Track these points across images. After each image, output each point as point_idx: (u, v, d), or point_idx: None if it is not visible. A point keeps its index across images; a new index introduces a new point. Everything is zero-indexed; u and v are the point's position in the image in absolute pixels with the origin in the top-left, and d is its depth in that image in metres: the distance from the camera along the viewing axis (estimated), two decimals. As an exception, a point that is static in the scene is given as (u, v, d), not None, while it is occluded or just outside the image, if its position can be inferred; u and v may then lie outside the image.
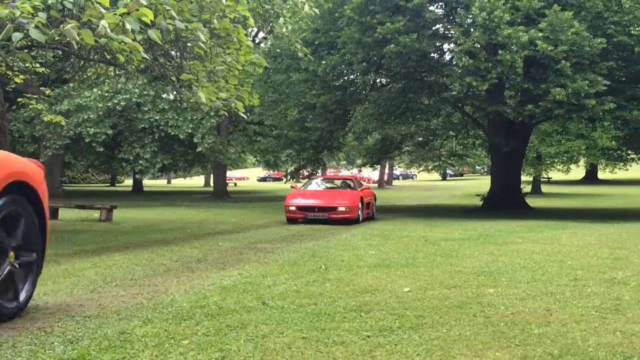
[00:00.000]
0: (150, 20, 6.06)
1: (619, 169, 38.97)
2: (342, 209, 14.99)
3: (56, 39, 6.49)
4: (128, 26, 5.87)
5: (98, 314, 4.67)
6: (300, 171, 28.28)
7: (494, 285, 5.91)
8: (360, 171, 67.42)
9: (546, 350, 3.74)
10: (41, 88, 19.02)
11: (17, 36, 5.79)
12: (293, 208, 15.44)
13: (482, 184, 37.23)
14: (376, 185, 53.79)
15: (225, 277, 6.47)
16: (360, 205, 15.59)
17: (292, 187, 19.18)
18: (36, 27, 5.78)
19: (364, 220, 15.99)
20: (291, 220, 15.34)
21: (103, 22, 5.73)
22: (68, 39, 5.89)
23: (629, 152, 26.58)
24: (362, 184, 17.99)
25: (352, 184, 17.25)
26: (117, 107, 24.86)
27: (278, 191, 44.49)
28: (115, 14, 5.91)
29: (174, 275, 6.61)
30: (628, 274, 6.59)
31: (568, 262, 7.59)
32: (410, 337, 4.04)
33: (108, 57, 11.71)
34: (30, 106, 14.98)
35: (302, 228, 13.50)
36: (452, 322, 4.44)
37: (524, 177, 29.09)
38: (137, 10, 5.90)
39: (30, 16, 5.88)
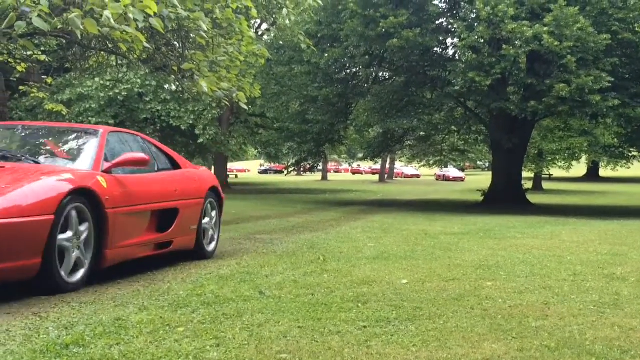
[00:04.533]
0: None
1: (621, 166, 38.94)
2: None
3: (59, 27, 6.47)
4: (131, 16, 5.86)
5: (94, 300, 4.66)
6: (302, 164, 28.30)
7: (493, 279, 5.89)
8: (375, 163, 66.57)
9: (543, 343, 3.72)
10: (43, 77, 19.01)
11: (20, 25, 5.76)
12: None
13: (483, 179, 37.22)
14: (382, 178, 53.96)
15: (223, 266, 6.46)
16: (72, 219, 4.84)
17: None
18: (39, 15, 5.75)
19: (133, 262, 6.09)
20: None
21: (106, 13, 5.71)
22: (71, 28, 5.86)
23: (631, 149, 26.50)
24: (152, 149, 6.75)
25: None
26: (118, 97, 24.82)
27: (278, 183, 44.54)
28: (119, 1, 5.89)
29: (172, 263, 6.59)
30: (627, 269, 6.57)
31: (567, 257, 7.57)
32: (407, 328, 4.02)
33: (110, 46, 11.70)
34: (32, 95, 14.96)
35: (302, 220, 13.48)
36: (450, 314, 4.42)
37: (525, 174, 29.06)
38: (141, 1, 5.89)
39: (33, 4, 5.84)
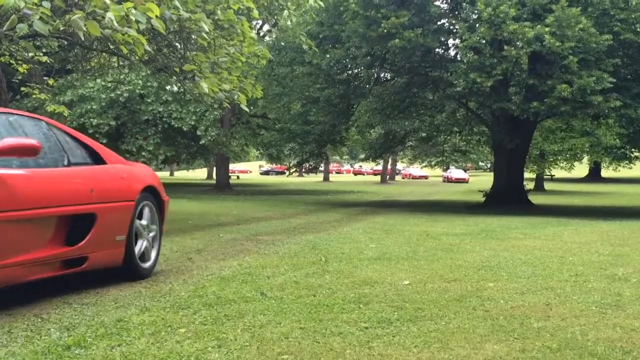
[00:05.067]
0: (155, 13, 6.04)
1: (623, 167, 38.91)
2: None
3: (61, 29, 6.46)
4: (133, 18, 5.86)
5: (95, 302, 4.66)
6: (304, 165, 28.33)
7: (494, 280, 5.89)
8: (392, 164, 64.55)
9: (545, 344, 3.72)
10: (44, 78, 19.02)
11: (21, 28, 5.75)
12: None
13: (485, 180, 37.21)
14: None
15: (224, 267, 6.46)
16: None
17: None
18: (40, 18, 5.74)
19: None
20: None
21: (109, 15, 5.71)
22: (73, 29, 5.86)
23: (633, 150, 26.47)
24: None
25: None
26: (120, 98, 24.83)
27: (280, 184, 44.56)
28: (121, 3, 5.89)
29: (173, 264, 6.59)
30: (629, 270, 6.56)
31: (569, 258, 7.56)
32: (409, 329, 4.02)
33: (111, 47, 11.71)
34: (34, 96, 14.97)
35: (304, 221, 13.49)
36: (451, 315, 4.42)
37: (526, 174, 29.05)
38: (144, 4, 5.89)
39: (35, 7, 5.84)
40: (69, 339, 3.61)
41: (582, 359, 3.47)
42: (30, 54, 13.22)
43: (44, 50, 16.79)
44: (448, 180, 56.30)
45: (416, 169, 65.67)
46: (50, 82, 15.58)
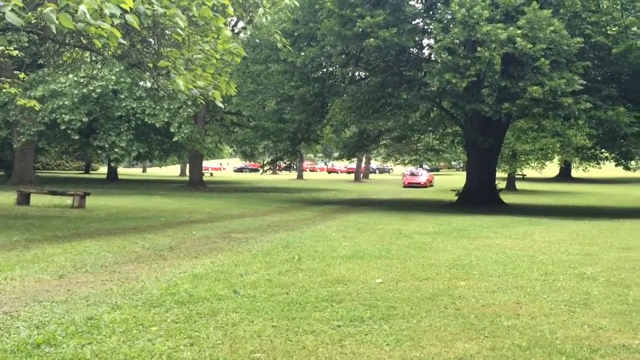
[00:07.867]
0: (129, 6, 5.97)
1: (592, 167, 39.44)
2: None
3: (33, 21, 6.37)
4: (106, 11, 5.79)
5: (66, 300, 4.62)
6: (277, 162, 28.27)
7: (466, 278, 5.94)
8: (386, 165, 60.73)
9: (514, 342, 3.77)
10: (15, 72, 18.71)
11: (-8, 19, 5.66)
12: None
13: (457, 179, 37.47)
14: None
15: (197, 265, 6.43)
16: None
17: None
18: (12, 10, 5.65)
19: None
20: None
21: (82, 7, 5.63)
22: (45, 22, 5.77)
23: (603, 150, 26.82)
24: None
25: None
26: (92, 94, 24.54)
27: (254, 182, 44.42)
28: (95, -1, 5.82)
29: (146, 262, 6.55)
30: (598, 269, 6.67)
31: (539, 257, 7.66)
32: (381, 327, 4.04)
33: (84, 42, 11.57)
34: (4, 90, 14.71)
35: (277, 219, 13.47)
36: (423, 314, 4.45)
37: (498, 174, 29.32)
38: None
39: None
40: (39, 337, 3.57)
41: (551, 357, 3.52)
42: (1, 48, 13.00)
43: (14, 46, 16.52)
44: (410, 184, 43.47)
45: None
46: (21, 76, 15.32)
